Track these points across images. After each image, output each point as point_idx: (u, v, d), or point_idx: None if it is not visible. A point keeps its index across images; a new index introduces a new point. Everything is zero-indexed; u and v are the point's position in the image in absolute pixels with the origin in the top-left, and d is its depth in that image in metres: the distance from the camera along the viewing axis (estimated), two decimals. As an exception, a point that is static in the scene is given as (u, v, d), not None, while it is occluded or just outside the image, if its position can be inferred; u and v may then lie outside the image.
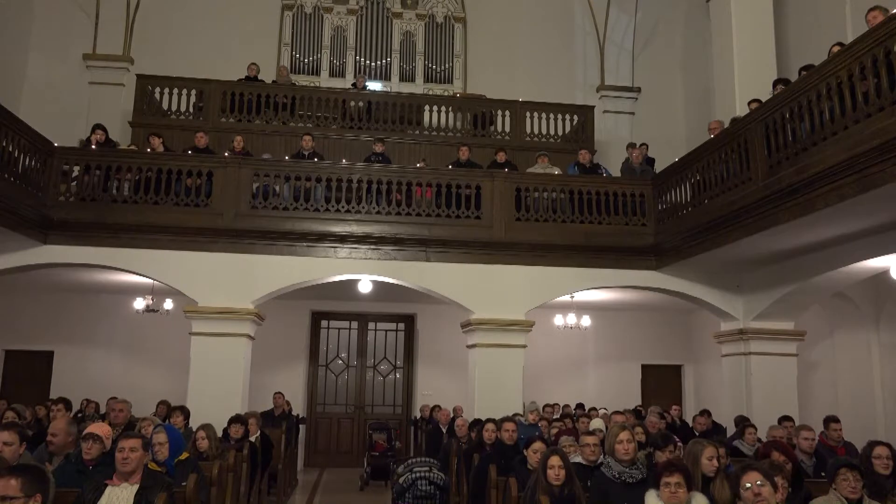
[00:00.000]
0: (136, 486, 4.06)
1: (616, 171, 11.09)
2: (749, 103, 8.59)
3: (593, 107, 13.75)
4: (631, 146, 10.99)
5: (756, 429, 7.41)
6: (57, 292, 12.07)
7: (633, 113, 14.86)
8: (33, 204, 8.21)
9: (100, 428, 4.91)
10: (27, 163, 8.15)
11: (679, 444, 5.69)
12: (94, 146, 9.58)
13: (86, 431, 4.84)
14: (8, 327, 12.18)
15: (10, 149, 7.74)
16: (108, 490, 4.04)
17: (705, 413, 9.07)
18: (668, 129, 14.14)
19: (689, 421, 9.75)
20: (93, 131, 9.97)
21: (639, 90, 14.84)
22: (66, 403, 7.55)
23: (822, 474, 5.21)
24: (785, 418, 7.85)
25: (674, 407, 10.25)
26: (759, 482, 3.64)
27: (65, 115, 12.39)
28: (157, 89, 12.44)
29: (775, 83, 8.29)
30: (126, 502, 4.00)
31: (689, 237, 8.51)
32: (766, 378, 9.30)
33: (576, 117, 13.28)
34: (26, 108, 11.57)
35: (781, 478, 4.14)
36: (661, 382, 13.54)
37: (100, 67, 13.57)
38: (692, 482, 4.01)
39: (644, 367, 13.62)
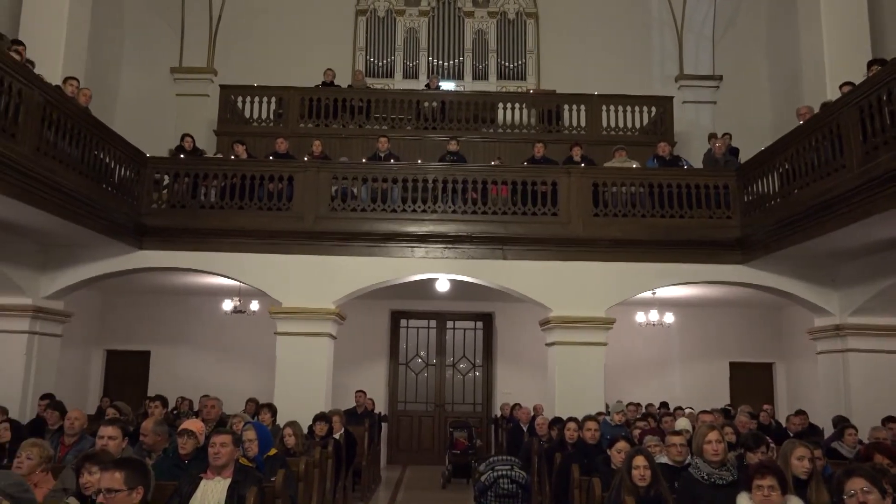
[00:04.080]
0: (228, 480, 4.22)
1: (698, 163, 10.73)
2: (841, 86, 8.13)
3: (672, 97, 13.35)
4: (713, 136, 10.61)
5: (856, 430, 7.00)
6: (152, 295, 12.71)
7: (714, 102, 14.33)
8: (129, 212, 8.69)
9: (194, 424, 5.15)
10: (123, 173, 8.63)
11: (772, 445, 5.45)
12: (186, 148, 10.13)
13: (181, 428, 5.09)
14: (109, 329, 12.93)
15: (108, 161, 8.22)
16: (203, 483, 4.22)
17: (800, 413, 8.67)
18: (753, 117, 13.56)
19: (783, 421, 9.33)
20: (182, 139, 10.49)
21: (720, 78, 14.30)
22: (163, 401, 7.94)
23: (932, 479, 4.87)
24: (889, 419, 7.40)
25: (765, 407, 9.82)
26: (864, 489, 3.39)
27: (155, 127, 12.98)
28: (240, 98, 12.91)
29: (870, 64, 7.82)
30: (219, 495, 4.16)
31: (778, 229, 8.13)
32: (867, 376, 8.78)
33: (654, 109, 12.95)
34: (120, 121, 12.21)
35: (886, 483, 3.89)
36: (752, 381, 12.98)
37: (186, 80, 14.19)
38: (787, 485, 3.83)
39: (732, 364, 13.11)
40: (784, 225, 7.97)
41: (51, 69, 8.70)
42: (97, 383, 12.87)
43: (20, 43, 7.65)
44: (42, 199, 6.92)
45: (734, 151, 10.52)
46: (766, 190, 8.53)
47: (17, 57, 7.00)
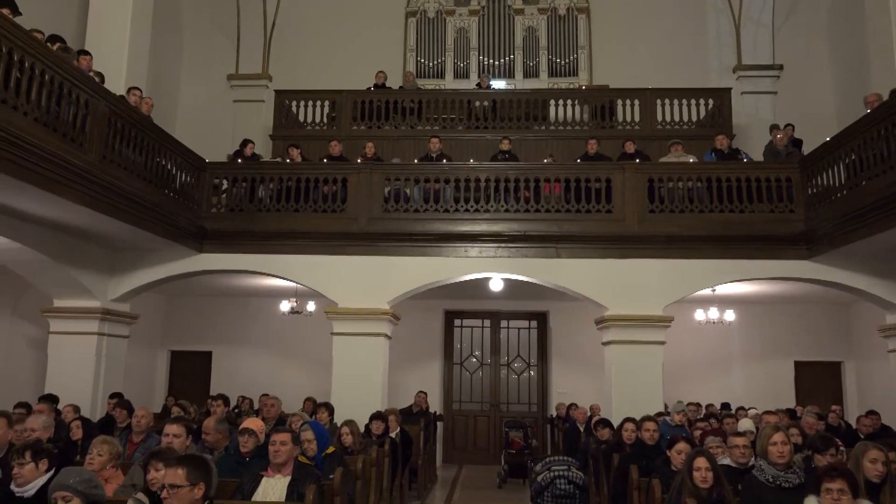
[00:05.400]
0: (288, 478, 4.31)
1: (758, 156, 10.41)
2: (912, 72, 7.78)
3: (730, 89, 12.99)
4: (774, 128, 10.27)
5: (933, 432, 6.69)
6: (213, 297, 13.06)
7: (774, 92, 13.90)
8: (190, 216, 8.95)
9: (254, 423, 5.27)
10: (183, 178, 8.90)
11: (841, 447, 5.25)
12: (249, 154, 10.38)
13: (242, 426, 5.21)
14: (172, 330, 13.36)
15: (170, 167, 8.50)
16: (264, 481, 4.32)
17: (872, 414, 8.31)
18: (816, 107, 13.09)
19: (853, 422, 8.98)
20: (244, 145, 10.75)
21: (781, 67, 13.85)
22: (225, 400, 8.15)
23: None
24: (968, 420, 7.03)
25: (834, 407, 9.46)
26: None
27: (213, 133, 13.37)
28: (294, 103, 13.15)
29: (943, 47, 7.45)
30: (280, 492, 4.25)
31: (845, 222, 7.80)
32: (944, 375, 8.38)
33: (711, 101, 12.64)
34: (180, 128, 12.62)
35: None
36: (818, 381, 12.51)
37: (242, 86, 14.56)
38: (858, 489, 3.67)
39: (798, 363, 12.66)
40: (851, 218, 7.65)
41: (115, 80, 9.03)
42: (162, 382, 13.32)
43: (87, 53, 7.96)
44: (109, 206, 7.19)
45: (797, 143, 10.17)
46: (831, 182, 8.21)
47: (94, 77, 7.28)
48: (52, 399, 7.79)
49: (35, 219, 7.38)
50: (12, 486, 3.83)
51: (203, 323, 13.26)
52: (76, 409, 7.62)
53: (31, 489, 3.79)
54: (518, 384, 13.30)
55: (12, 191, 6.20)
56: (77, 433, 6.47)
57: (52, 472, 3.84)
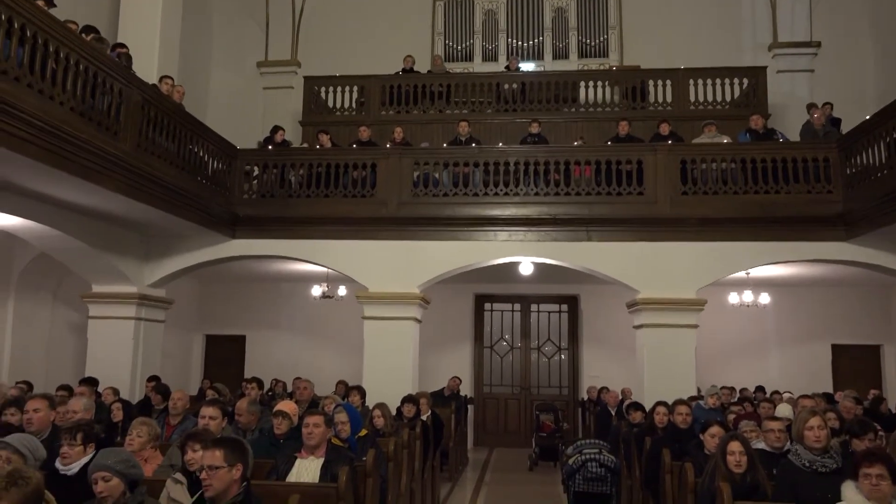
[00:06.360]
0: (321, 460, 4.37)
1: (794, 136, 10.17)
2: (957, 46, 7.50)
3: (765, 67, 12.69)
4: (812, 107, 10.02)
5: (976, 416, 6.52)
6: (246, 282, 13.25)
7: (812, 70, 13.53)
8: (222, 203, 9.07)
9: (288, 406, 5.36)
10: (215, 165, 9.01)
11: (880, 432, 5.15)
12: (279, 141, 10.47)
13: (276, 409, 5.30)
14: (207, 315, 13.60)
15: (202, 154, 8.61)
16: (298, 462, 4.39)
17: (911, 398, 8.14)
18: (855, 85, 12.75)
19: (893, 407, 8.79)
20: (275, 131, 10.82)
21: (818, 45, 13.46)
22: (259, 383, 8.28)
23: None
24: None
25: (873, 392, 9.28)
26: None
27: (243, 120, 13.50)
28: (323, 89, 13.20)
29: None
30: (314, 474, 4.32)
31: (885, 203, 7.59)
32: None
33: (745, 80, 12.38)
34: (211, 116, 12.72)
35: None
36: (857, 365, 12.28)
37: (271, 73, 14.64)
38: (899, 474, 3.59)
39: (835, 347, 12.44)
40: (891, 198, 7.45)
41: (146, 68, 9.14)
42: (198, 366, 13.59)
43: (123, 46, 8.07)
44: (144, 193, 7.33)
45: (835, 122, 9.91)
46: (870, 161, 7.99)
47: (122, 60, 7.38)
48: (92, 382, 7.99)
49: (73, 207, 7.54)
50: (57, 464, 3.96)
51: (237, 307, 13.46)
52: (115, 391, 7.81)
53: (74, 468, 3.91)
54: (549, 367, 13.29)
55: (51, 179, 6.35)
56: (118, 415, 6.64)
57: (94, 452, 3.94)
